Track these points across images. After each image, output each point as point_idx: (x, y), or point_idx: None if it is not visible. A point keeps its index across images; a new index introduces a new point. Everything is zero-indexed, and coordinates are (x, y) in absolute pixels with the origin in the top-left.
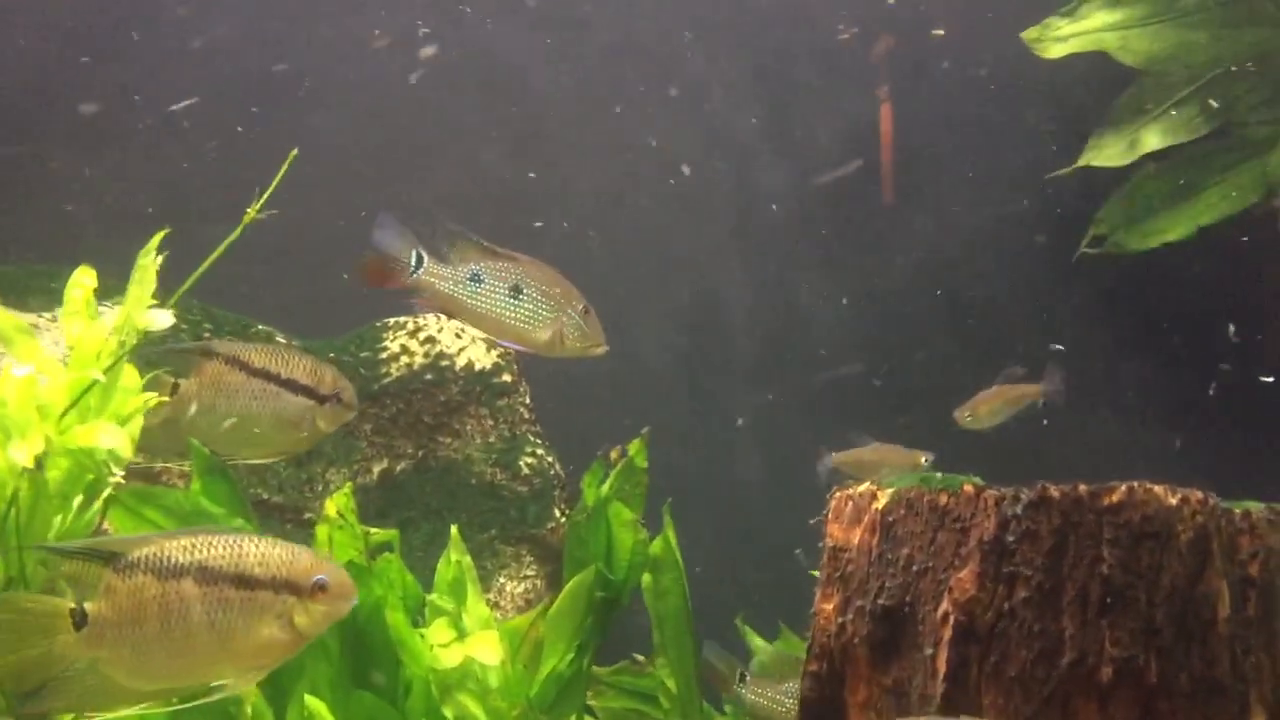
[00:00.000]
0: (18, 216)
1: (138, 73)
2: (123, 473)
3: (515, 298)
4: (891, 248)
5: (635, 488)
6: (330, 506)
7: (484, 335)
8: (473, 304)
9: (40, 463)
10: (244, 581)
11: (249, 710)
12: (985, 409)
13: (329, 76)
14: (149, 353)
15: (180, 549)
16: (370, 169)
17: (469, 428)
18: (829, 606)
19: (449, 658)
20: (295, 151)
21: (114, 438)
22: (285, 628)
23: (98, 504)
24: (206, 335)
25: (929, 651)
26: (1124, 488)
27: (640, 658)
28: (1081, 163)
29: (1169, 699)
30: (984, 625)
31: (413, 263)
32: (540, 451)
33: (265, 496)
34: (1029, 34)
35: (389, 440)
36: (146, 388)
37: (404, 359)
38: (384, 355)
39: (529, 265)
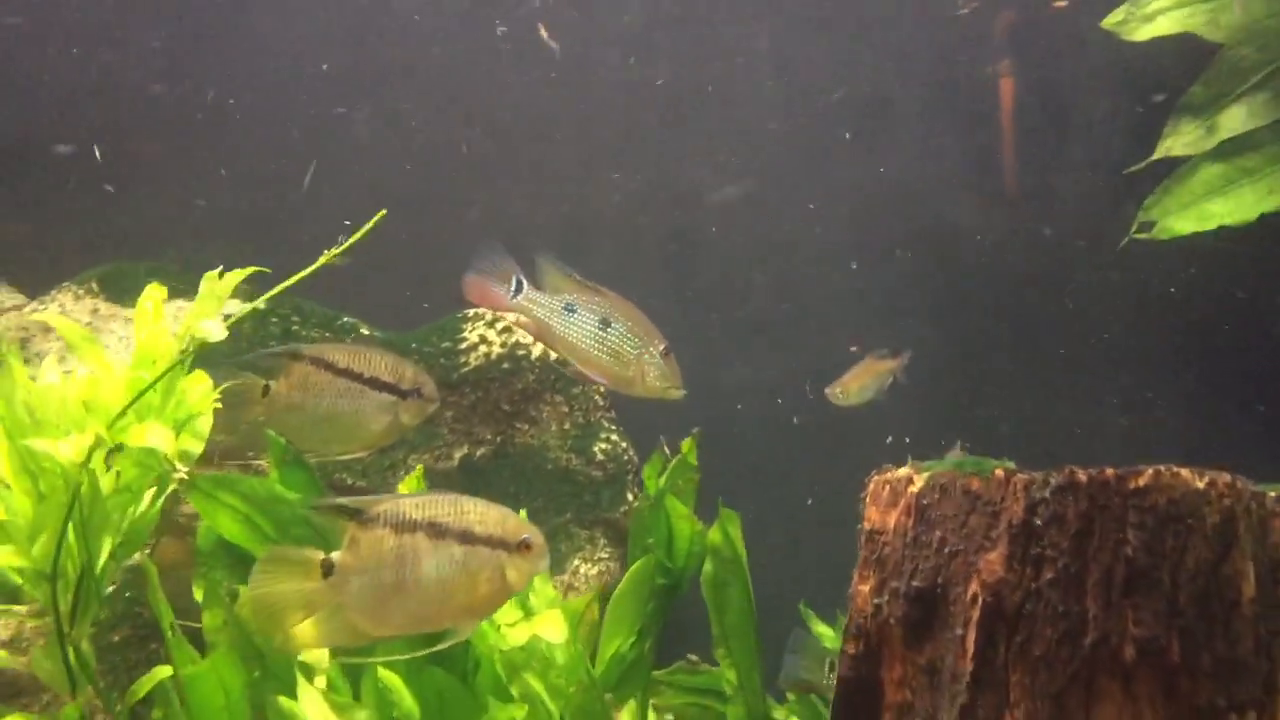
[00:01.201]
0: (131, 214)
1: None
2: (186, 469)
3: (603, 330)
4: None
5: (687, 483)
6: (403, 488)
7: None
8: (564, 332)
9: (97, 459)
10: (466, 537)
11: (325, 681)
12: (855, 385)
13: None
14: (241, 359)
15: (413, 506)
16: (460, 167)
17: (545, 414)
18: (865, 588)
19: (516, 636)
20: (382, 212)
21: (161, 438)
22: (498, 579)
23: (160, 500)
24: (295, 327)
25: (959, 631)
26: (1150, 471)
27: (694, 657)
28: (1160, 152)
29: (1191, 678)
30: (1011, 606)
31: (513, 288)
32: (614, 438)
33: (350, 481)
34: (1112, 19)
35: (469, 427)
36: (234, 392)
37: (482, 349)
38: (463, 345)
39: (618, 302)
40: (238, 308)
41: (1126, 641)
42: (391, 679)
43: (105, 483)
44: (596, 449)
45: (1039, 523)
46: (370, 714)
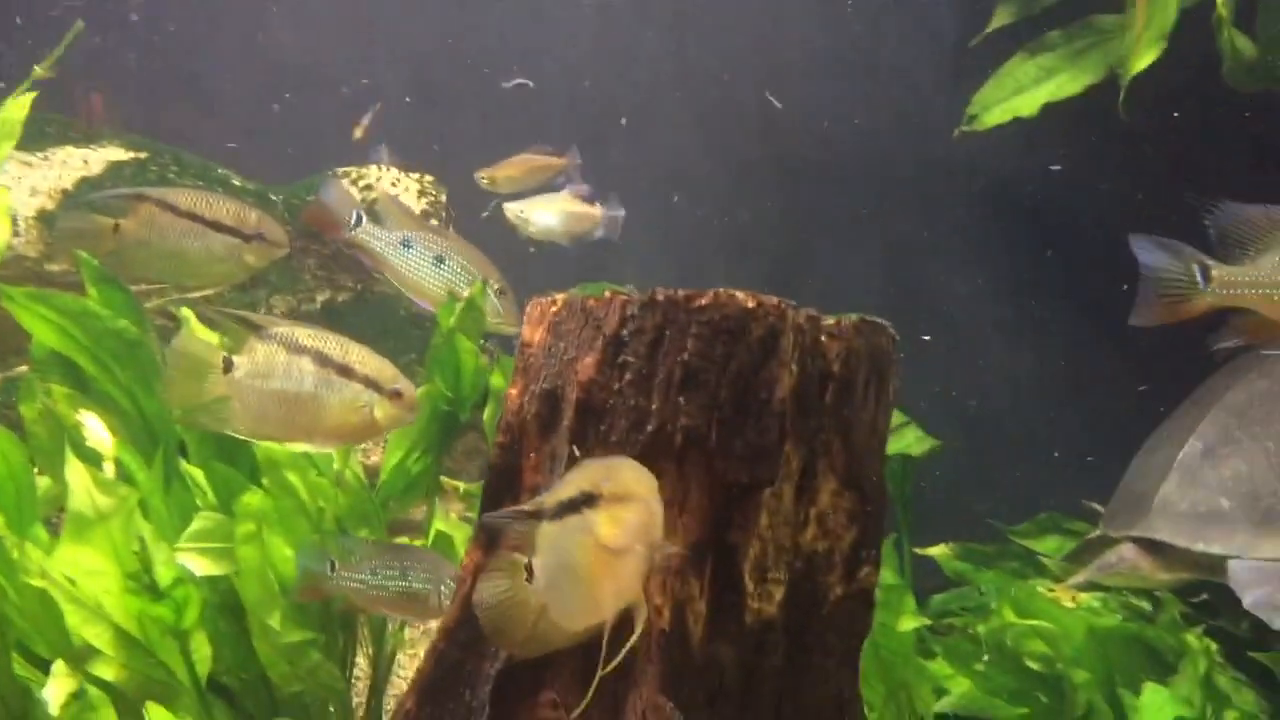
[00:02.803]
0: None
1: None
2: None
3: (437, 266)
4: None
5: (475, 324)
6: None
7: (417, 185)
8: (399, 265)
9: None
10: (346, 371)
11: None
12: (503, 174)
13: None
14: (93, 198)
15: (307, 335)
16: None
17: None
18: (514, 391)
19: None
20: None
21: None
22: (367, 415)
23: None
24: (172, 175)
25: (566, 424)
26: (711, 292)
27: None
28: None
29: (725, 460)
30: (599, 402)
31: (353, 220)
32: None
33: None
34: None
35: (331, 274)
36: (89, 231)
37: None
38: None
39: (455, 240)
40: (121, 154)
41: (678, 430)
42: (192, 470)
43: None
44: None
45: (626, 334)
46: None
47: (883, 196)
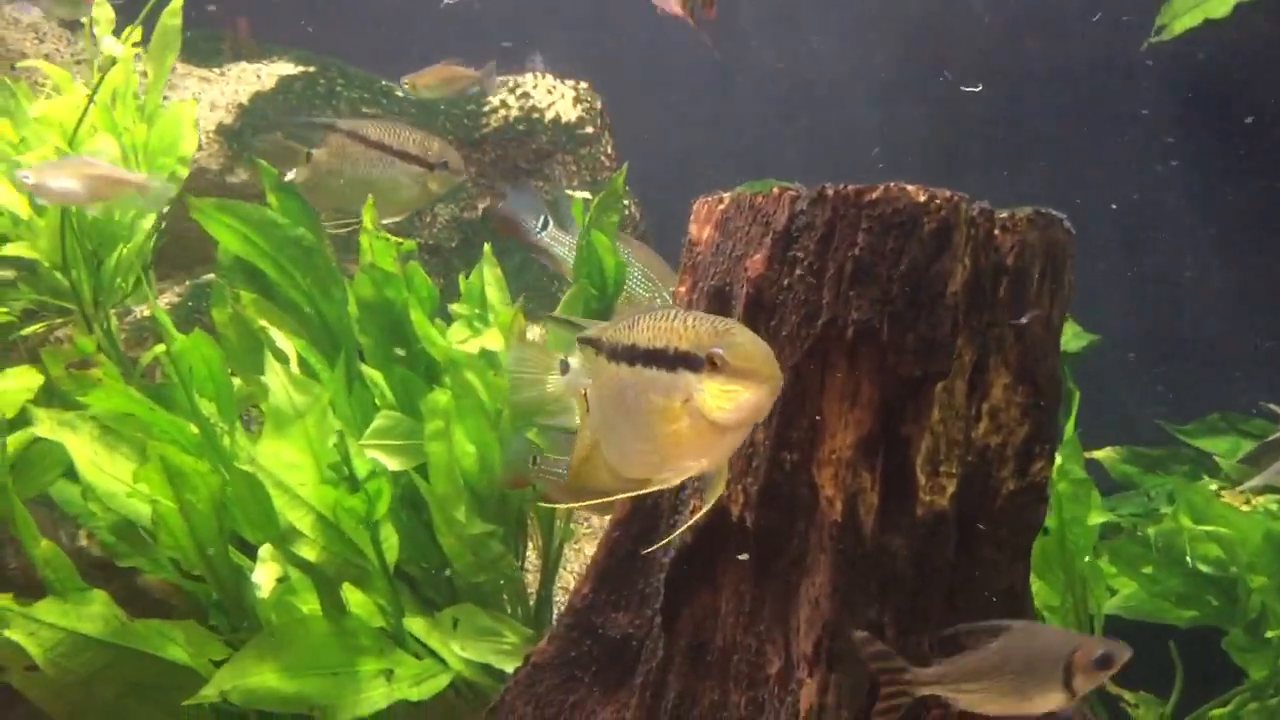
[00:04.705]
0: None
1: None
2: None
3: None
4: None
5: (610, 219)
6: (367, 220)
7: (573, 92)
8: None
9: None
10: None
11: (294, 368)
12: (423, 82)
13: None
14: (286, 126)
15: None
16: None
17: (558, 173)
18: (683, 289)
19: (467, 348)
20: None
21: (108, 145)
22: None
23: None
24: (339, 88)
25: (735, 317)
26: (882, 187)
27: None
28: None
29: (897, 354)
30: (769, 298)
31: (539, 224)
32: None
33: None
34: None
35: (490, 182)
36: (283, 156)
37: (501, 112)
38: (486, 108)
39: (637, 248)
40: (291, 69)
41: (849, 324)
42: (371, 372)
43: None
44: None
45: (795, 229)
46: (318, 393)
47: (1058, 96)
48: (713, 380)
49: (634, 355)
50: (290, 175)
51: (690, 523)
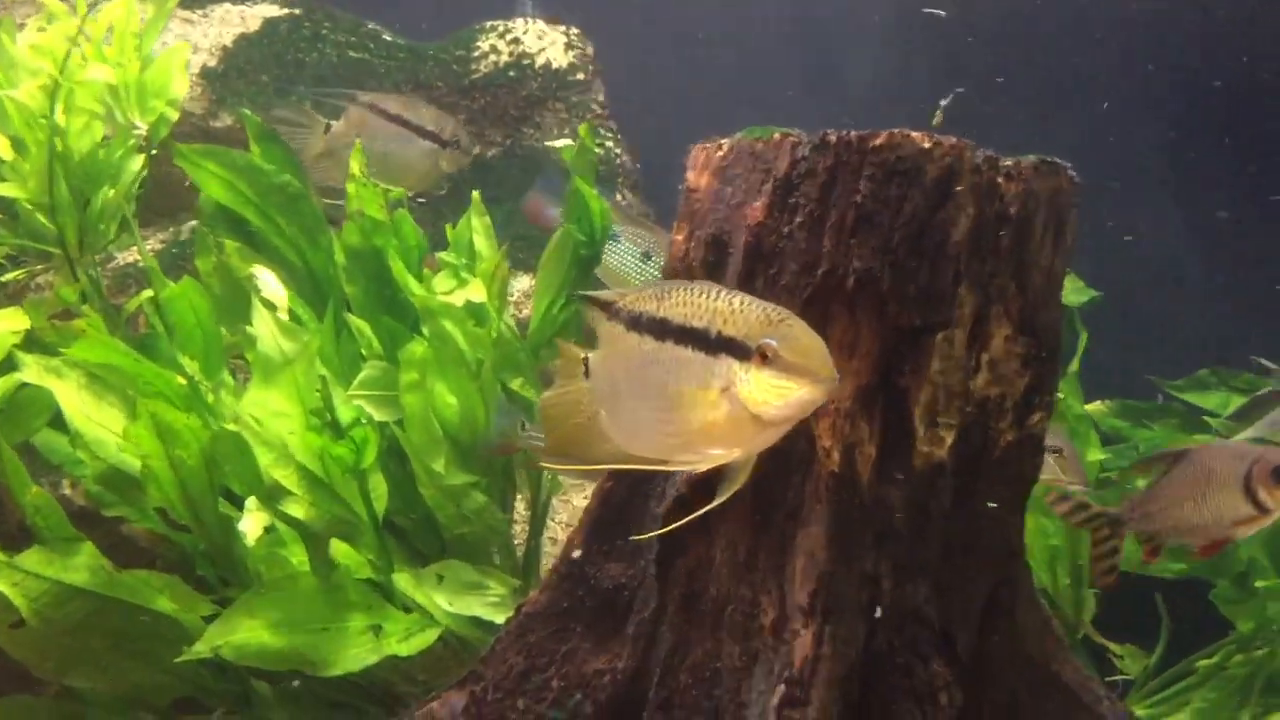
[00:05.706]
0: None
1: None
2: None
3: (644, 262)
4: None
5: (588, 166)
6: (354, 165)
7: (564, 38)
8: (606, 258)
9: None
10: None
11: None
12: None
13: None
14: (306, 94)
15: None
16: None
17: (547, 120)
18: (680, 237)
19: (451, 299)
20: None
21: (102, 73)
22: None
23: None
24: (325, 31)
25: (733, 268)
26: (886, 133)
27: None
28: None
29: (898, 303)
30: (768, 246)
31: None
32: (609, 144)
33: None
34: None
35: (480, 129)
36: (303, 124)
37: (491, 57)
38: (475, 54)
39: (664, 236)
40: (276, 10)
41: (850, 273)
42: (357, 322)
43: (74, 127)
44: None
45: (796, 176)
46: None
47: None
48: (762, 372)
49: (664, 330)
50: (309, 145)
51: (686, 473)
